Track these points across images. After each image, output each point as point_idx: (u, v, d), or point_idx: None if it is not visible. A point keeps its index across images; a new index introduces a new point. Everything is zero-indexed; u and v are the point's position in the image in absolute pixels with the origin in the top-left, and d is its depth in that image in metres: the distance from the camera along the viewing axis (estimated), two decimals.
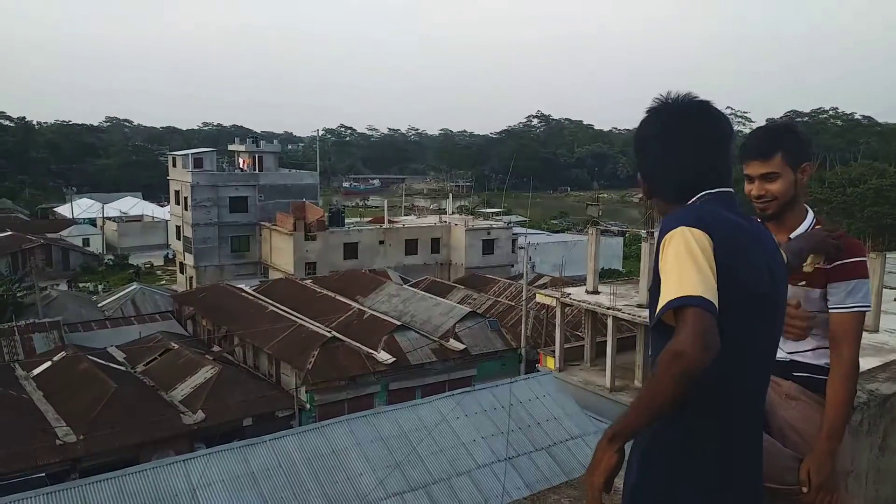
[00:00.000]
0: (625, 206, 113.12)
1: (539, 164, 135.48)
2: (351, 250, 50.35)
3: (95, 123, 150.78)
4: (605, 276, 43.03)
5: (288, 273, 47.22)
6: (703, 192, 2.12)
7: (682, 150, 2.14)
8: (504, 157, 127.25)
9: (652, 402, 1.72)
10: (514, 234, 55.36)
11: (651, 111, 2.21)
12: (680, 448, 1.95)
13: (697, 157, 2.14)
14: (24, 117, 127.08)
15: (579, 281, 35.08)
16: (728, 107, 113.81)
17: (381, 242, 51.48)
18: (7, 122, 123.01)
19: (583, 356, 29.00)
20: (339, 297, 34.58)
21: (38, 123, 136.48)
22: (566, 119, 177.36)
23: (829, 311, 2.96)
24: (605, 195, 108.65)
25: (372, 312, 31.97)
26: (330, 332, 29.09)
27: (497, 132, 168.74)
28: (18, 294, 38.76)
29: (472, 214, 68.46)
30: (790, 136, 3.02)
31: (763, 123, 3.83)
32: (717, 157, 2.15)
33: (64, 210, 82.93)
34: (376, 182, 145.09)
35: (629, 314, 25.38)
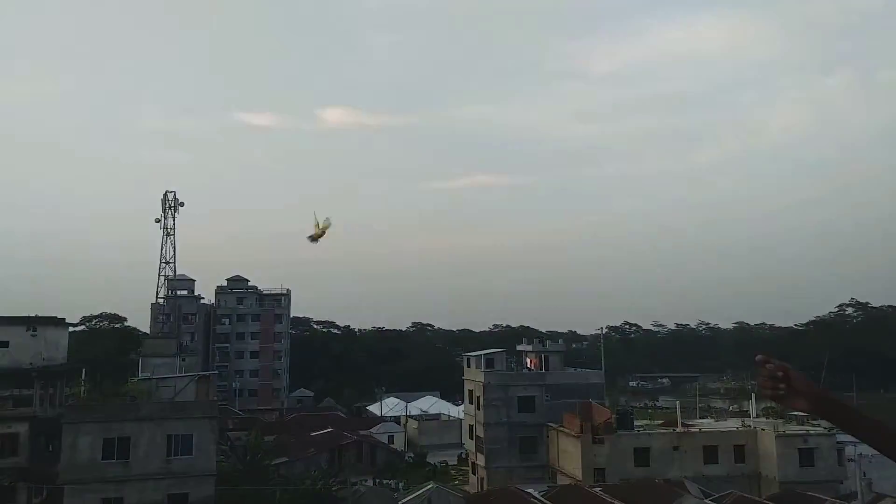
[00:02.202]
0: None
1: (861, 360, 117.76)
2: (642, 456, 47.10)
3: (403, 329, 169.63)
4: None
5: (576, 478, 45.37)
6: None
7: None
8: (814, 352, 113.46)
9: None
10: (839, 442, 47.28)
11: None
12: None
13: None
14: (349, 325, 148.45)
15: None
16: None
17: (676, 448, 47.47)
18: (336, 331, 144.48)
19: None
20: None
21: (359, 330, 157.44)
22: (889, 306, 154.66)
23: None
24: None
25: None
26: None
27: (802, 324, 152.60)
28: (334, 488, 42.50)
29: (782, 418, 60.55)
30: None
31: None
32: None
33: (374, 408, 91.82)
34: (665, 381, 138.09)
35: None
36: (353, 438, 64.61)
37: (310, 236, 10.93)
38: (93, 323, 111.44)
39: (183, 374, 48.29)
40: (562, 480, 47.00)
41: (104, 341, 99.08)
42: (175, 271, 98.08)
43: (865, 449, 45.51)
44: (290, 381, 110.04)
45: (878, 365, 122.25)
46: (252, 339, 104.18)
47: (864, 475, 37.47)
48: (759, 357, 2.18)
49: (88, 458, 35.17)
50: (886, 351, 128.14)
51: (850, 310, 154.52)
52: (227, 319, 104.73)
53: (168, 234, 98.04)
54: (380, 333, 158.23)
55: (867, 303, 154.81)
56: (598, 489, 38.06)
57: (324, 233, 10.52)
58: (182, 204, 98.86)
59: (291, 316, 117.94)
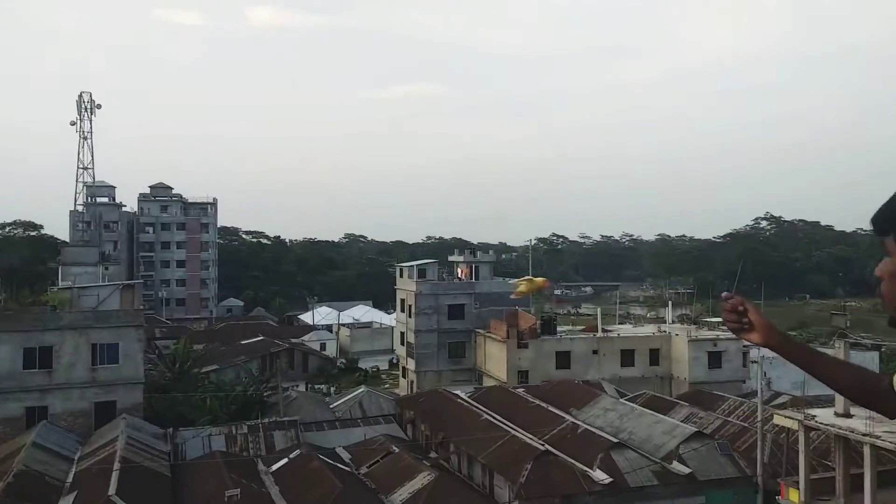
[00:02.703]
0: (877, 315, 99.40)
1: (771, 270, 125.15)
2: (563, 359, 49.54)
3: (336, 239, 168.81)
4: None
5: (501, 380, 47.48)
6: None
7: None
8: (729, 262, 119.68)
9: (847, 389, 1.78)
10: (744, 346, 50.81)
11: None
12: None
13: None
14: (279, 235, 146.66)
15: (825, 401, 30.87)
16: None
17: (595, 352, 50.06)
18: (266, 241, 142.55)
19: (834, 490, 25.03)
20: (551, 409, 33.85)
21: (290, 241, 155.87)
22: (800, 220, 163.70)
23: None
24: (854, 303, 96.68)
25: (586, 427, 30.74)
26: (543, 444, 28.36)
27: (720, 236, 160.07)
28: (265, 394, 43.12)
29: (695, 324, 64.31)
30: None
31: None
32: None
33: (306, 317, 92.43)
34: (589, 290, 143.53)
35: (891, 442, 21.64)
36: (284, 346, 65.12)
37: (517, 291, 10.52)
38: (6, 230, 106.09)
39: (106, 284, 46.91)
40: (487, 382, 49.12)
41: (19, 249, 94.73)
42: (94, 177, 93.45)
43: (766, 352, 49.06)
44: (219, 291, 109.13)
45: (787, 274, 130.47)
46: (178, 248, 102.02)
47: (765, 375, 40.52)
48: (724, 294, 2.32)
49: (8, 368, 34.40)
50: (794, 262, 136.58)
51: (764, 223, 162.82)
52: (151, 228, 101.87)
53: (84, 138, 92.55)
54: (311, 244, 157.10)
55: (780, 217, 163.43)
56: (520, 390, 40.01)
57: (532, 289, 10.38)
58: (99, 106, 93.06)
59: (219, 225, 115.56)
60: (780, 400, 36.18)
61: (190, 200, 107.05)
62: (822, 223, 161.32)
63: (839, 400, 25.35)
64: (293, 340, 70.40)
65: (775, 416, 27.62)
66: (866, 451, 22.59)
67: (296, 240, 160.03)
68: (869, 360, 53.52)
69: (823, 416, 25.41)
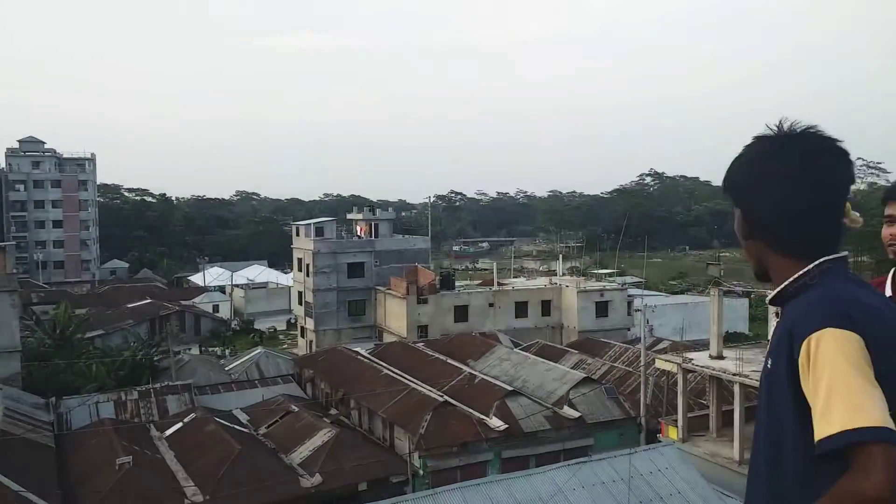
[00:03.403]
0: (749, 265, 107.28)
1: (654, 223, 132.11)
2: (461, 313, 50.63)
3: (226, 197, 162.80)
4: (730, 339, 40.67)
5: (401, 336, 48.01)
6: (823, 260, 1.87)
7: (812, 195, 1.87)
8: (616, 217, 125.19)
9: None
10: (629, 295, 53.76)
11: (771, 142, 1.92)
12: None
13: (826, 207, 1.88)
14: (164, 193, 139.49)
15: (702, 345, 33.31)
16: (859, 157, 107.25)
17: (491, 305, 51.46)
18: (150, 199, 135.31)
19: (708, 426, 27.26)
20: (449, 361, 34.64)
21: (177, 199, 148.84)
22: (681, 176, 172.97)
23: None
24: (728, 254, 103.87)
25: (483, 377, 31.73)
26: (441, 396, 29.06)
27: (608, 192, 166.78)
28: (155, 358, 41.55)
29: (583, 276, 67.19)
30: None
31: None
32: (842, 211, 1.91)
33: (197, 278, 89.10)
34: (485, 245, 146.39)
35: (758, 380, 23.72)
36: (174, 309, 62.72)
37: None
38: None
39: None
40: (388, 339, 49.52)
41: None
42: None
43: (649, 300, 52.22)
44: (102, 252, 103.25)
45: (669, 228, 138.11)
46: (54, 207, 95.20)
47: (648, 322, 43.13)
48: None
49: None
50: (675, 216, 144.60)
51: (648, 179, 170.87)
52: (22, 186, 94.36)
53: None
54: (201, 202, 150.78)
55: (663, 172, 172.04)
56: (420, 344, 40.65)
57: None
58: None
59: (99, 182, 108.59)
60: (662, 345, 38.62)
61: (65, 156, 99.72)
62: (702, 178, 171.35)
63: (713, 343, 27.44)
64: (184, 303, 67.89)
65: (657, 360, 29.56)
66: (736, 389, 24.66)
67: (183, 197, 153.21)
68: (739, 306, 58.10)
69: (699, 359, 27.45)
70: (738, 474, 23.40)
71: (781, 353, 1.78)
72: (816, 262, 1.88)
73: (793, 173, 1.87)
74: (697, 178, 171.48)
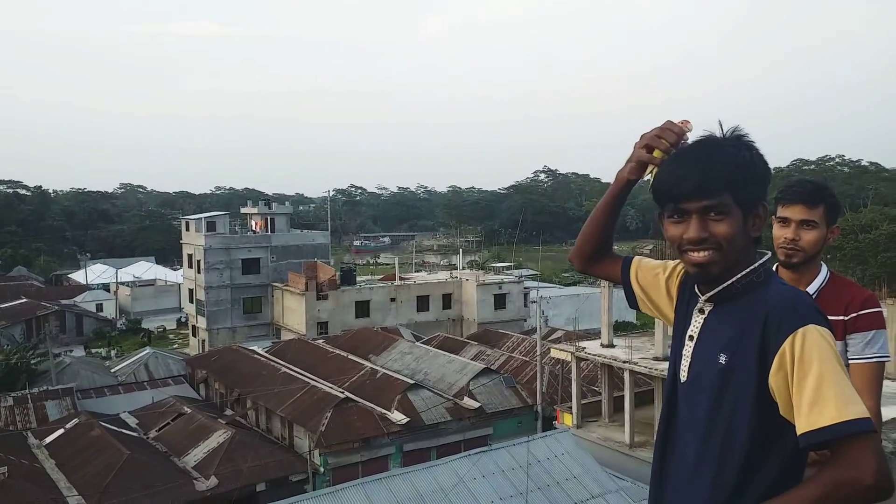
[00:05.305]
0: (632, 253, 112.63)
1: (548, 218, 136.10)
2: (363, 308, 50.32)
3: (109, 190, 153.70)
4: (620, 328, 42.61)
5: (300, 333, 47.13)
6: (768, 255, 1.93)
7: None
8: (513, 212, 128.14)
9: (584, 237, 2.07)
10: (525, 287, 55.22)
11: (752, 145, 1.91)
12: None
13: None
14: (40, 186, 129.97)
15: (594, 334, 34.79)
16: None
17: (393, 300, 51.46)
18: (24, 192, 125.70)
19: (600, 412, 28.51)
20: (351, 357, 34.39)
21: (55, 192, 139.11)
22: (573, 173, 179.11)
23: (849, 362, 2.95)
24: (616, 247, 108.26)
25: (384, 371, 31.72)
26: (343, 392, 28.82)
27: (505, 188, 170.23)
28: (32, 361, 38.78)
29: (482, 269, 68.39)
30: (832, 196, 3.14)
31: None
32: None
33: (78, 276, 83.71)
34: (387, 240, 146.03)
35: (646, 367, 25.05)
36: (53, 308, 58.65)
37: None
38: None
39: None
40: (286, 336, 48.47)
41: None
42: None
43: (544, 292, 53.97)
44: None
45: (561, 222, 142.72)
46: None
47: (543, 313, 44.56)
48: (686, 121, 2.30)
49: None
50: (567, 211, 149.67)
51: (542, 176, 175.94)
52: None
53: None
54: (81, 195, 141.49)
55: (556, 169, 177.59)
56: (320, 341, 40.08)
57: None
58: None
59: None
60: (557, 335, 39.93)
61: None
62: (591, 175, 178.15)
63: (604, 333, 28.70)
64: (64, 302, 63.60)
65: (552, 349, 30.57)
66: (626, 376, 25.90)
67: (61, 190, 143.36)
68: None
69: (592, 347, 28.63)
70: (629, 457, 24.64)
71: (747, 348, 1.79)
72: (765, 258, 1.91)
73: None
74: (588, 174, 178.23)
